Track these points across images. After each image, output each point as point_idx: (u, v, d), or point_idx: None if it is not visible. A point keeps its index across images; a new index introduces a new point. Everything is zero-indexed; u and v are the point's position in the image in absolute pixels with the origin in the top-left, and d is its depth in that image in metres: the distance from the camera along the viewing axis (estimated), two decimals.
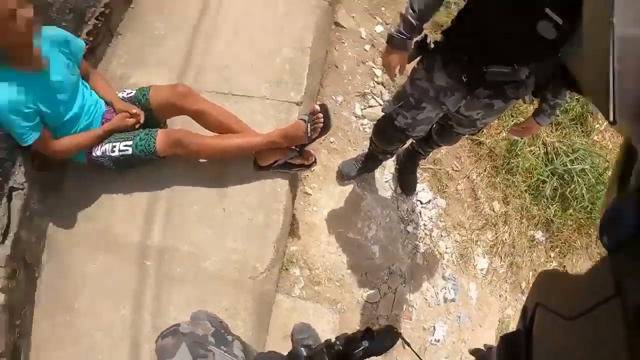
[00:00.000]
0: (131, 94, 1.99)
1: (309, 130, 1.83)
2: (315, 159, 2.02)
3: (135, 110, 1.91)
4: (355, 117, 2.55)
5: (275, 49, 2.34)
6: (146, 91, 1.97)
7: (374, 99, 2.63)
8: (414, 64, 1.74)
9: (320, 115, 1.81)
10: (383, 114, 1.94)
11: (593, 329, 0.49)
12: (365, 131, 2.50)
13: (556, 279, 0.71)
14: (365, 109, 2.59)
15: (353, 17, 2.86)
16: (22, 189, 1.88)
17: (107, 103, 1.99)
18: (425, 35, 1.64)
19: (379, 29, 2.83)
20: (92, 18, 2.32)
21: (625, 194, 0.53)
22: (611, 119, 0.46)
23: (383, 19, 2.88)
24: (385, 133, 1.98)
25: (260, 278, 1.88)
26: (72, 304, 1.90)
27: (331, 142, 2.43)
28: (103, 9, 2.38)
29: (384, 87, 2.68)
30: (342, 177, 2.34)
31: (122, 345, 1.82)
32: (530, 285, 0.78)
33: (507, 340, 0.71)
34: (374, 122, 2.17)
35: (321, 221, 2.29)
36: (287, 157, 1.95)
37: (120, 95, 2.00)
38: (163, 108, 1.96)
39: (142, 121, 1.92)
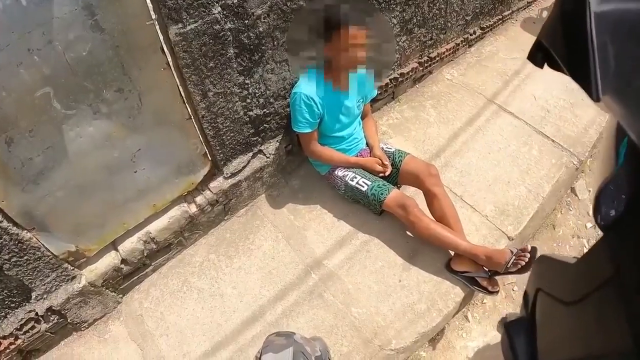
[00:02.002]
0: (390, 149, 2.32)
1: (510, 262, 1.88)
2: (499, 290, 2.05)
3: (387, 162, 2.22)
4: None
5: (514, 182, 2.48)
6: (403, 155, 2.28)
7: None
8: None
9: (528, 255, 1.85)
10: None
11: (595, 311, 0.47)
12: None
13: (555, 264, 0.67)
14: None
15: (589, 190, 2.88)
16: (267, 157, 2.29)
17: (367, 144, 2.36)
18: None
19: None
20: (387, 79, 2.76)
21: (615, 172, 0.50)
22: (594, 96, 0.45)
23: None
24: None
25: (387, 352, 1.92)
26: (232, 258, 2.21)
27: (514, 290, 2.43)
28: (398, 76, 2.82)
29: None
30: None
31: (241, 314, 2.02)
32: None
33: (511, 328, 0.69)
34: None
35: (462, 349, 2.26)
36: (477, 274, 2.01)
37: (381, 145, 2.34)
38: (408, 175, 2.24)
39: (386, 174, 2.21)
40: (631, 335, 0.42)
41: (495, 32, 3.65)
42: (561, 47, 0.56)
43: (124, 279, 2.01)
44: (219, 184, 2.13)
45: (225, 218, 2.32)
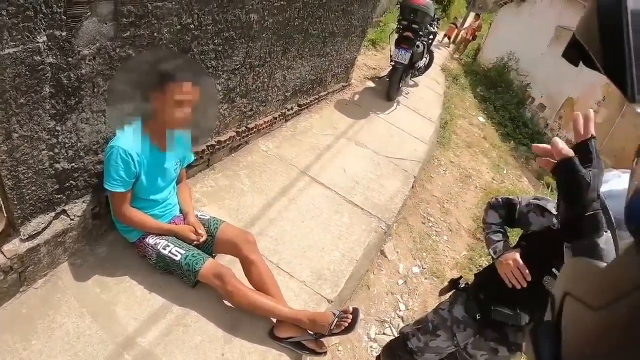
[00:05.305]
0: (205, 217, 2.44)
1: (334, 324, 2.10)
2: (326, 351, 2.23)
3: (201, 231, 2.31)
4: (368, 338, 2.83)
5: (328, 248, 2.82)
6: (219, 223, 2.41)
7: (391, 329, 2.97)
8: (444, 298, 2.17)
9: (350, 316, 2.10)
10: (399, 334, 2.29)
11: (624, 318, 0.50)
12: (372, 355, 2.73)
13: (584, 269, 0.72)
14: (379, 334, 2.88)
15: (397, 252, 3.44)
16: (71, 219, 2.16)
17: (181, 210, 2.43)
18: (460, 277, 2.13)
19: (416, 270, 3.35)
20: (204, 145, 2.94)
21: None
22: (630, 97, 0.48)
23: (422, 263, 3.44)
24: (395, 353, 2.28)
25: None
26: (30, 339, 1.93)
27: (339, 351, 2.66)
28: (215, 143, 3.02)
29: (403, 322, 3.02)
30: None
31: None
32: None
33: (537, 333, 0.73)
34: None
35: None
36: (303, 337, 2.18)
37: (196, 212, 2.44)
38: (224, 243, 2.36)
39: (201, 242, 2.29)
40: None
41: (311, 109, 4.20)
42: (596, 45, 0.57)
43: None
44: (14, 247, 1.91)
45: (22, 290, 2.05)
